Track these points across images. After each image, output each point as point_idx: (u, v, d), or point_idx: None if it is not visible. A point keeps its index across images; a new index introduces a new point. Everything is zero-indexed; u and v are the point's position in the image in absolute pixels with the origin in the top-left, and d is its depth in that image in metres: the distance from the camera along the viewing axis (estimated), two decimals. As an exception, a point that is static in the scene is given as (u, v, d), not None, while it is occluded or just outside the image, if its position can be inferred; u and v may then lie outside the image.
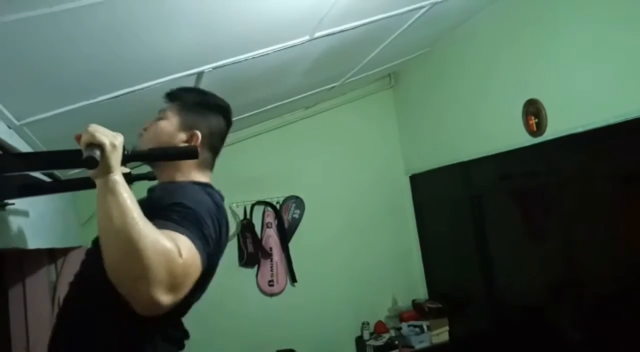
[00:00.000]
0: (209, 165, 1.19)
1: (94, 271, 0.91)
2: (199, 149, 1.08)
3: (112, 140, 0.82)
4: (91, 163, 0.77)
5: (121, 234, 0.77)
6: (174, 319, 1.07)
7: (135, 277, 0.76)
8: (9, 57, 1.04)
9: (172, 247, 0.80)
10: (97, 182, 0.82)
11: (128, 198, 0.81)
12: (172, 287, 0.79)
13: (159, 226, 0.83)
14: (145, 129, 1.16)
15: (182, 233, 0.86)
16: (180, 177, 1.12)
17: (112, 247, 0.79)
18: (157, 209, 0.91)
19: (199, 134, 1.13)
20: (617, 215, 2.01)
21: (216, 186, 1.17)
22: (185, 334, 1.11)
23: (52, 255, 2.17)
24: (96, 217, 0.82)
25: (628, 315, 1.96)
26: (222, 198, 1.13)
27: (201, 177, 1.15)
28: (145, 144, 1.13)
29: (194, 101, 1.18)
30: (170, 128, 1.13)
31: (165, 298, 0.77)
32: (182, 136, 1.13)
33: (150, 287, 0.76)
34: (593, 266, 2.14)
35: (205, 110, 1.18)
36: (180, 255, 0.81)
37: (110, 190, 0.80)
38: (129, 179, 1.17)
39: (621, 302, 2.02)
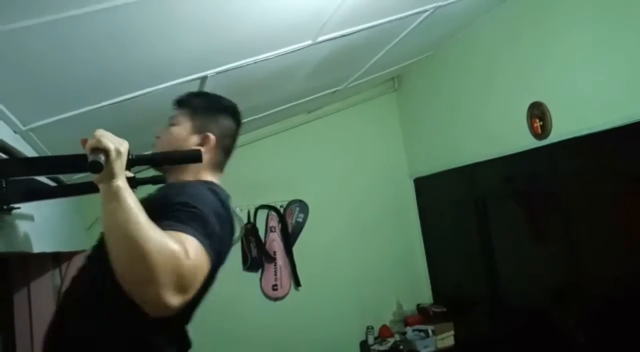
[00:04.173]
0: (221, 167, 1.22)
1: (93, 278, 0.91)
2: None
3: (118, 146, 0.83)
4: (96, 167, 0.78)
5: (127, 239, 0.78)
6: (180, 325, 1.07)
7: (143, 281, 0.77)
8: (15, 63, 1.05)
9: (178, 249, 0.81)
10: (101, 187, 0.83)
11: (132, 203, 0.81)
12: (181, 288, 0.80)
13: (165, 227, 0.84)
14: (158, 137, 1.18)
15: (189, 233, 0.87)
16: (189, 178, 1.14)
17: (119, 252, 0.80)
18: (163, 208, 0.92)
19: (211, 135, 1.16)
20: (623, 218, 2.00)
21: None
22: (189, 345, 1.11)
23: (56, 259, 2.18)
24: (101, 223, 0.82)
25: (634, 317, 1.94)
26: (228, 196, 1.13)
27: (210, 177, 1.17)
28: (159, 150, 1.15)
29: (203, 105, 1.21)
30: (183, 133, 1.15)
31: (175, 299, 0.78)
32: (195, 139, 1.15)
33: (159, 290, 0.77)
34: (598, 269, 2.12)
35: (215, 112, 1.21)
36: (188, 256, 0.82)
37: (114, 195, 0.81)
38: (134, 183, 1.18)
39: (627, 304, 2.00)
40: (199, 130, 1.16)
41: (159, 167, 1.19)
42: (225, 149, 1.22)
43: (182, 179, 1.14)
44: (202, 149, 1.11)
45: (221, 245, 0.99)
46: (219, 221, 0.98)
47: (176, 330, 1.07)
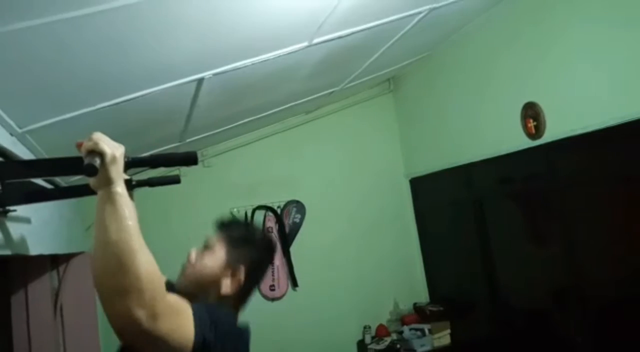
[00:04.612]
0: (245, 302, 1.20)
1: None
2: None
3: (114, 150, 0.83)
4: (90, 170, 0.78)
5: (114, 246, 0.78)
6: None
7: (119, 291, 0.76)
8: (11, 65, 1.05)
9: (161, 282, 0.82)
10: (99, 193, 0.83)
11: (127, 212, 0.81)
12: (152, 312, 0.78)
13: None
14: (189, 260, 1.15)
15: (186, 302, 0.89)
16: None
17: (104, 258, 0.79)
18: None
19: (243, 269, 1.13)
20: (618, 217, 2.02)
21: None
22: None
23: (54, 261, 2.17)
24: (94, 227, 0.82)
25: (632, 318, 1.96)
26: (249, 330, 1.12)
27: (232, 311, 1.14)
28: (187, 278, 1.13)
29: (240, 236, 1.20)
30: (216, 264, 1.13)
31: (144, 318, 0.77)
32: (227, 271, 1.13)
33: (131, 302, 0.76)
34: (595, 268, 2.14)
35: (251, 245, 1.19)
36: (165, 295, 0.82)
37: (110, 201, 0.81)
38: (130, 185, 1.19)
39: (625, 304, 2.01)
40: (232, 262, 1.14)
41: (184, 291, 1.15)
42: (254, 284, 1.20)
43: None
44: (230, 281, 1.11)
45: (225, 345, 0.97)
46: (226, 323, 0.99)
47: None
